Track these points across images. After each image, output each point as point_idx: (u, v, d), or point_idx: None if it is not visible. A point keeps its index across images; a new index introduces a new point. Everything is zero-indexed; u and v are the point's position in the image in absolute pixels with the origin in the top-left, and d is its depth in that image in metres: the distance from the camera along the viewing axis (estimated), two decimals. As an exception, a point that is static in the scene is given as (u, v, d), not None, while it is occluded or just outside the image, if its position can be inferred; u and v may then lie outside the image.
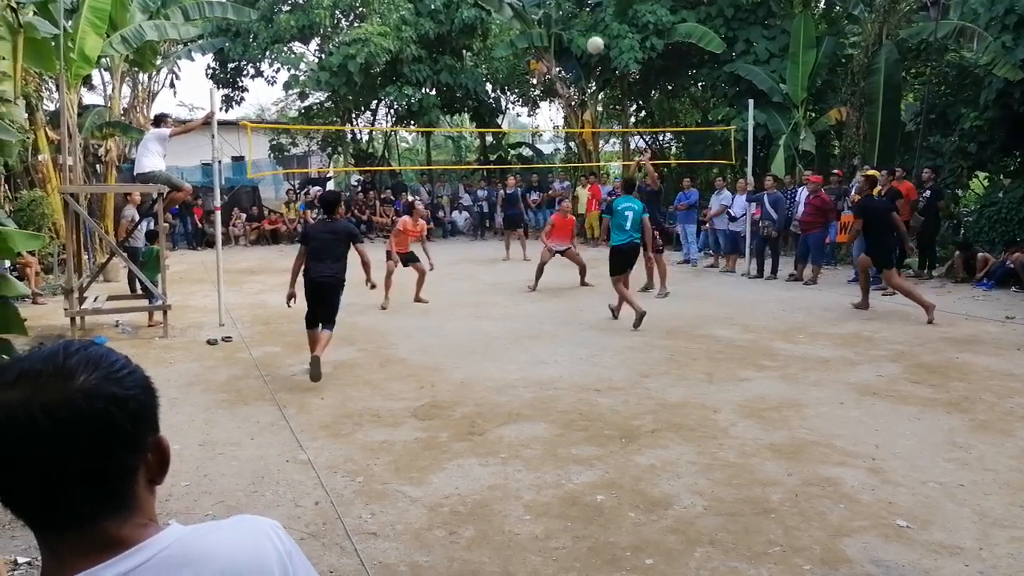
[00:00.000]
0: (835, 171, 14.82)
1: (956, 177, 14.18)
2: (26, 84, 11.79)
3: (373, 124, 24.50)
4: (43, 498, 0.87)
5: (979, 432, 5.24)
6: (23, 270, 11.30)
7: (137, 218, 11.08)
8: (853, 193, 10.95)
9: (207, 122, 9.51)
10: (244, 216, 20.58)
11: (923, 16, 15.53)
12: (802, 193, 12.79)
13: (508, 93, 25.29)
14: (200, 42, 19.17)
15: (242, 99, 23.43)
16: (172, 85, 19.54)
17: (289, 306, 7.08)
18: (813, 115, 17.08)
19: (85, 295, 9.36)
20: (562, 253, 11.88)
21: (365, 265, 7.02)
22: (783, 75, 16.99)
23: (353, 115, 23.38)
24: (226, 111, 22.46)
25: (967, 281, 11.69)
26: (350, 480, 4.54)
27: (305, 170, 25.70)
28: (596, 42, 14.81)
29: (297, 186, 22.37)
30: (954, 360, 7.20)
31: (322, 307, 6.73)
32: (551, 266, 11.77)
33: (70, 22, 11.47)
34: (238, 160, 22.08)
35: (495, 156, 23.69)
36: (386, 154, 25.16)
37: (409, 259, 10.55)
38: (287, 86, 22.11)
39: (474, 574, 3.48)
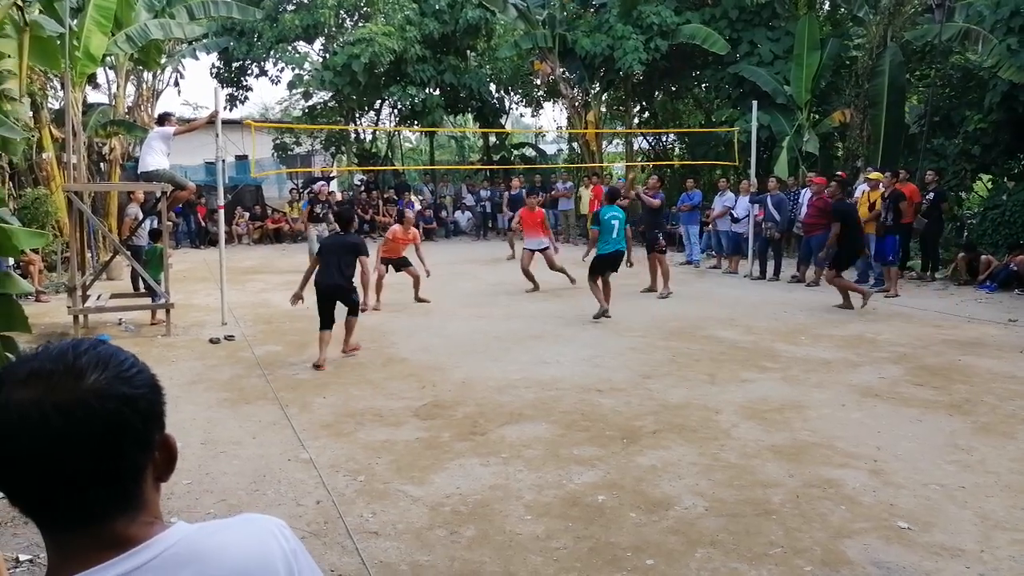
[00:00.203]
0: (839, 173, 14.79)
1: (960, 179, 14.16)
2: (31, 82, 11.85)
3: (377, 124, 24.53)
4: (53, 497, 0.87)
5: (981, 434, 5.24)
6: (27, 268, 11.34)
7: (141, 216, 11.11)
8: (825, 194, 11.15)
9: (211, 121, 9.53)
10: (247, 215, 20.62)
11: (928, 18, 15.50)
12: (805, 195, 12.77)
13: (512, 93, 25.30)
14: (205, 41, 19.22)
15: (246, 98, 23.51)
16: (176, 84, 19.57)
17: (292, 304, 7.61)
18: (817, 117, 17.07)
19: (88, 293, 9.39)
20: (542, 252, 11.47)
21: (363, 278, 7.59)
22: (787, 77, 16.98)
23: (357, 115, 23.40)
24: (230, 110, 22.52)
25: (970, 283, 11.68)
26: (351, 479, 4.55)
27: (309, 169, 25.73)
28: None
29: (300, 185, 22.40)
30: (956, 362, 7.20)
31: (333, 305, 7.31)
32: (548, 270, 11.68)
33: (75, 21, 11.48)
34: (242, 159, 22.13)
35: (498, 156, 23.69)
36: (389, 154, 25.18)
37: (401, 264, 10.53)
38: (291, 85, 22.13)
39: (475, 574, 3.49)
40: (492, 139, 25.19)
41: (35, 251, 11.47)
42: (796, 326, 8.95)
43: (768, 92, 16.68)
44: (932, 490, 4.32)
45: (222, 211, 10.06)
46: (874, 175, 12.08)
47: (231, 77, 22.83)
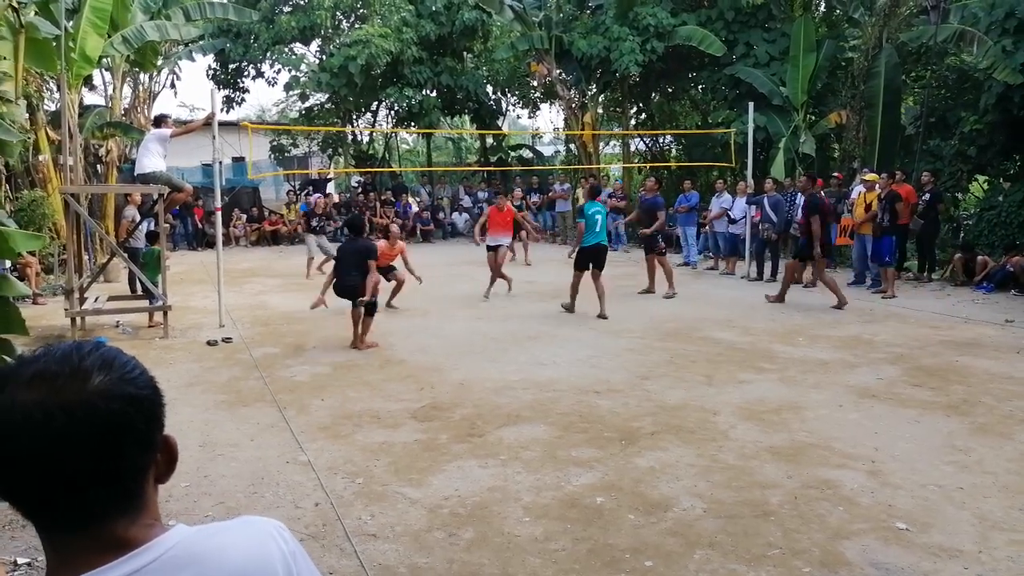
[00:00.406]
0: (835, 174, 14.83)
1: (956, 181, 14.19)
2: (27, 84, 11.81)
3: (374, 125, 24.52)
4: (56, 499, 0.87)
5: (978, 435, 5.25)
6: (23, 270, 11.31)
7: (138, 219, 11.09)
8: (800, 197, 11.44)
9: (208, 123, 9.51)
10: (244, 217, 20.59)
11: (923, 20, 15.54)
12: (801, 196, 12.79)
13: (509, 95, 25.32)
14: (201, 43, 19.18)
15: (243, 100, 23.51)
16: (173, 86, 19.57)
17: (312, 309, 8.66)
18: (813, 118, 17.09)
19: (85, 295, 9.36)
20: (495, 249, 11.17)
21: (372, 282, 8.03)
22: (783, 78, 17.01)
23: (354, 116, 23.40)
24: (227, 112, 22.52)
25: (967, 284, 11.71)
26: (350, 481, 4.55)
27: (306, 171, 25.70)
28: None
29: (297, 187, 22.37)
30: (954, 363, 7.21)
31: (353, 298, 8.05)
32: (550, 269, 11.72)
33: (71, 22, 11.49)
34: (239, 161, 22.09)
35: (495, 158, 23.70)
36: (386, 155, 25.18)
37: (387, 271, 10.45)
38: (288, 87, 22.15)
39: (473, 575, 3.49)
40: (489, 141, 25.20)
41: (32, 253, 11.44)
42: (793, 327, 8.96)
43: (764, 93, 16.72)
44: (930, 491, 4.33)
45: (219, 213, 10.05)
46: (870, 176, 12.10)
47: (227, 79, 22.81)
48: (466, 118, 26.12)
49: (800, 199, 12.73)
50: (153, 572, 0.88)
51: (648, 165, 21.05)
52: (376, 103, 23.26)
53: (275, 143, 23.95)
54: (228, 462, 4.90)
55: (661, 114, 22.63)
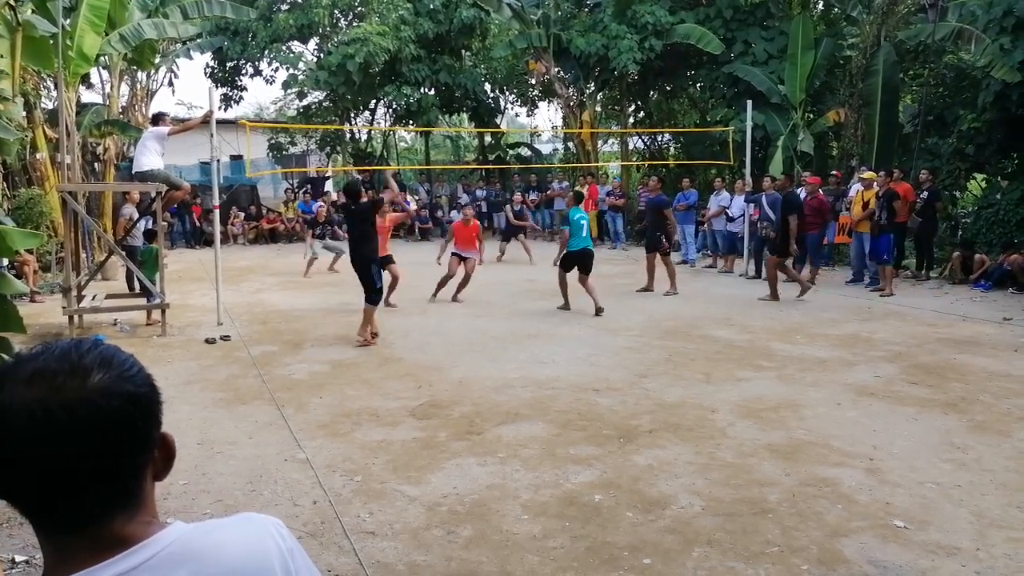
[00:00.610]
0: (833, 172, 14.84)
1: (954, 179, 14.21)
2: (24, 82, 11.79)
3: (372, 124, 24.49)
4: (55, 497, 0.86)
5: (976, 433, 5.26)
6: (21, 268, 11.29)
7: (136, 216, 11.08)
8: (775, 185, 11.59)
9: (206, 121, 9.49)
10: (242, 215, 20.56)
11: (921, 18, 15.56)
12: (799, 194, 12.78)
13: (507, 93, 25.29)
14: (199, 41, 19.15)
15: (241, 98, 23.42)
16: (171, 84, 19.51)
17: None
18: (811, 116, 17.10)
19: (83, 293, 9.36)
20: (464, 260, 10.88)
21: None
22: (781, 76, 17.01)
23: (352, 114, 23.36)
24: (225, 110, 22.45)
25: (965, 282, 11.72)
26: (348, 479, 4.55)
27: (304, 169, 25.69)
28: None
29: (296, 185, 22.34)
30: (951, 361, 7.22)
31: (367, 278, 8.15)
32: (550, 268, 11.66)
33: (68, 20, 11.46)
34: (236, 159, 22.08)
35: (494, 156, 23.68)
36: (385, 153, 25.14)
37: (385, 260, 10.33)
38: (286, 85, 22.09)
39: (472, 573, 3.48)
40: (487, 139, 25.19)
41: (30, 251, 11.42)
42: (791, 325, 8.97)
43: (763, 92, 16.71)
44: (928, 488, 4.34)
45: (217, 211, 10.03)
46: (868, 174, 12.11)
47: (225, 77, 22.76)
48: (464, 116, 26.08)
49: (765, 198, 12.66)
50: (151, 569, 0.88)
51: (646, 163, 21.06)
52: (374, 101, 23.24)
53: (273, 141, 23.92)
54: (226, 460, 4.89)
55: (659, 112, 22.63)
